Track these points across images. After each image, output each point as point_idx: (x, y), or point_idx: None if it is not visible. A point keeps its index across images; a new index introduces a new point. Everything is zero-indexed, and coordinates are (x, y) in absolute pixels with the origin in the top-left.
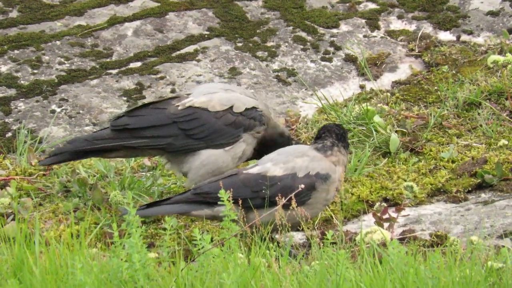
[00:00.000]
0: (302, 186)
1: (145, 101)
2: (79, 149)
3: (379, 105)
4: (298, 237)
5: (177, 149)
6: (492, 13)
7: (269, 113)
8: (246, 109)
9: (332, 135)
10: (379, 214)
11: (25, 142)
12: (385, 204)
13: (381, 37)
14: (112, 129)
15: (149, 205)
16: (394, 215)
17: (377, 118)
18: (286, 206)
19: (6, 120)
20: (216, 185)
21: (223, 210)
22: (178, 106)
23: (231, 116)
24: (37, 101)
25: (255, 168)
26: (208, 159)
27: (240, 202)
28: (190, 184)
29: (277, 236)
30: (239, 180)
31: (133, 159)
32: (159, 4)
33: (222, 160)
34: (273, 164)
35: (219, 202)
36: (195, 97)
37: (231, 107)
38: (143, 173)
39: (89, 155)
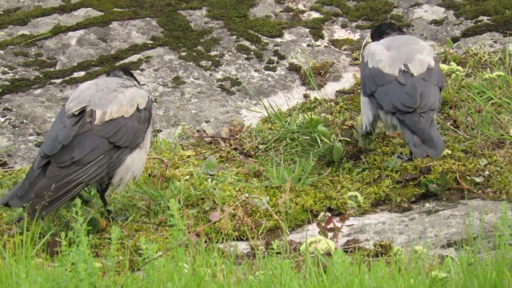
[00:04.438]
0: None
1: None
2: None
3: (323, 114)
4: (242, 246)
5: (114, 164)
6: (436, 22)
7: None
8: (147, 102)
9: None
10: (323, 224)
11: None
12: (329, 214)
13: (325, 46)
14: (60, 167)
15: None
16: (338, 224)
17: (321, 127)
18: None
19: None
20: (428, 98)
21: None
22: (96, 123)
23: (139, 114)
24: None
25: (416, 67)
26: (132, 163)
27: None
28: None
29: (221, 246)
30: (430, 83)
31: None
32: (102, 13)
33: (143, 159)
34: (424, 55)
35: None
36: (104, 108)
37: (137, 106)
38: None
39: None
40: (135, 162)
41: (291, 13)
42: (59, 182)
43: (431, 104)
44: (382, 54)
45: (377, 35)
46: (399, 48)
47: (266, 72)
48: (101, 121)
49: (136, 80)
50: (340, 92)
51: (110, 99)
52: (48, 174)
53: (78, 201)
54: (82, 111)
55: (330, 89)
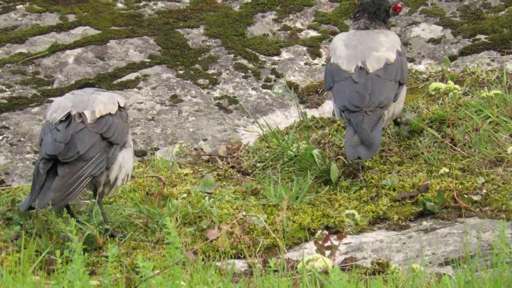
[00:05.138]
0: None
1: None
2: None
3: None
4: (239, 264)
5: (110, 160)
6: (433, 41)
7: None
8: (124, 102)
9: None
10: (320, 242)
11: None
12: (326, 232)
13: (323, 65)
14: (67, 163)
15: None
16: (335, 242)
17: (315, 152)
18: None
19: None
20: (378, 94)
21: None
22: (89, 121)
23: (121, 112)
24: None
25: (372, 64)
26: (123, 161)
27: None
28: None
29: (218, 264)
30: (383, 79)
31: None
32: (100, 31)
33: (131, 158)
34: (382, 52)
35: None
36: (91, 108)
37: (118, 104)
38: (85, 201)
39: None
40: (126, 160)
41: (288, 32)
42: (71, 178)
43: (381, 101)
44: (342, 50)
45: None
46: (356, 46)
47: (264, 91)
48: (93, 119)
49: None
50: None
51: (92, 100)
52: (60, 173)
53: (73, 220)
54: (68, 116)
55: (328, 107)
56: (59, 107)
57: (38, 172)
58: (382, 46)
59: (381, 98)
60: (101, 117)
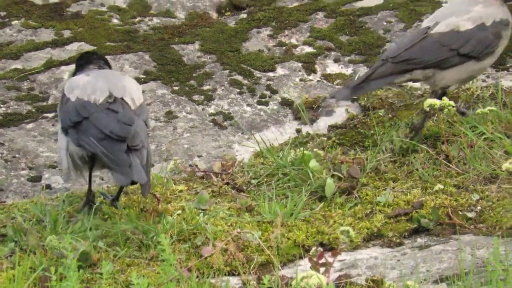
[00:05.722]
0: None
1: None
2: None
3: (315, 149)
4: (234, 281)
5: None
6: None
7: None
8: None
9: None
10: (315, 259)
11: None
12: (321, 249)
13: (318, 81)
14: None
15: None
16: (330, 259)
17: (313, 163)
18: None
19: None
20: (413, 51)
21: (419, 73)
22: (133, 108)
23: (143, 95)
24: None
25: (440, 26)
26: (148, 146)
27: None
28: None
29: (212, 281)
30: (434, 41)
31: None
32: (95, 47)
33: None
34: (460, 18)
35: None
36: (130, 95)
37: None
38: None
39: None
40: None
41: (283, 48)
42: (148, 163)
43: (410, 57)
44: (437, 12)
45: None
46: (448, 9)
47: (259, 107)
48: (135, 106)
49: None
50: (333, 127)
51: (126, 86)
52: (139, 159)
53: (68, 237)
54: (115, 99)
55: (323, 123)
56: (95, 88)
57: (110, 150)
58: (467, 13)
59: (413, 55)
60: (140, 105)
